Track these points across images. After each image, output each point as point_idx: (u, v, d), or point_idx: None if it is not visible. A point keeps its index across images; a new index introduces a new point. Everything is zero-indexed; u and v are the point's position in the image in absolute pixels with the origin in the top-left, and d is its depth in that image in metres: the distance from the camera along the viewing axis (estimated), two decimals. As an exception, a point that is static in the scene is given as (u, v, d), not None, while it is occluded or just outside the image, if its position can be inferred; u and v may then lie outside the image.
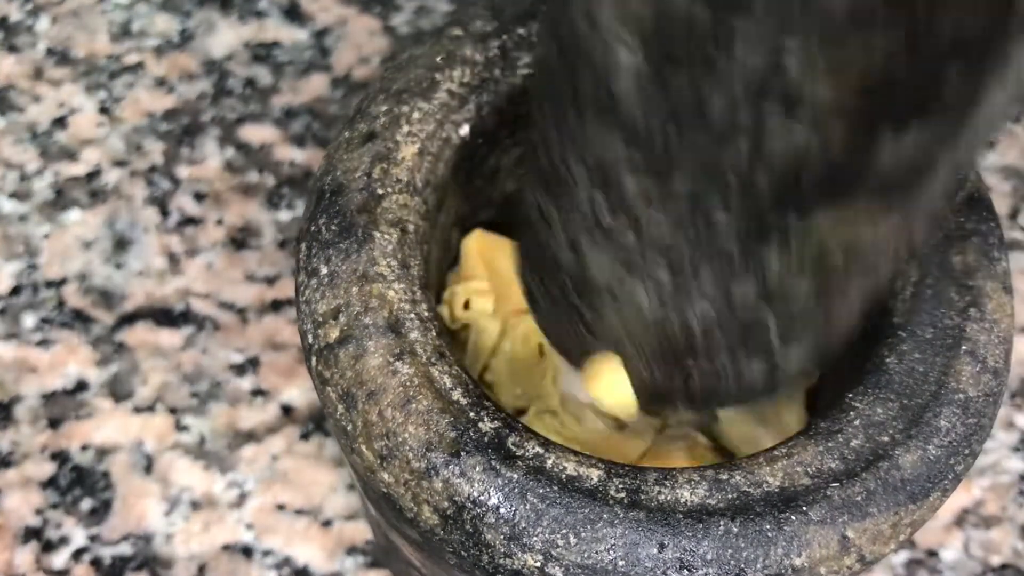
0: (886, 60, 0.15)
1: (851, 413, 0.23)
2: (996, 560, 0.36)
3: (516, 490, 0.22)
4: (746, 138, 0.16)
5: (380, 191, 0.25)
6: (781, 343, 0.22)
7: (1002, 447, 0.38)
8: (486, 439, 0.22)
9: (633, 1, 0.16)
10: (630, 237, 0.20)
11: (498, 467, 0.22)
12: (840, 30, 0.14)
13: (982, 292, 0.24)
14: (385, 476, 0.22)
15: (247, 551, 0.36)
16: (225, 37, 0.45)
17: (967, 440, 0.23)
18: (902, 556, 0.36)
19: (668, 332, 0.22)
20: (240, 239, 0.41)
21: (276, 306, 0.40)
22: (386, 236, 0.25)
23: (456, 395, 0.23)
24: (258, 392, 0.38)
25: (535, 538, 0.21)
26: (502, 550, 0.22)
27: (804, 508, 0.22)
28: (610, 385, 0.24)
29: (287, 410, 0.38)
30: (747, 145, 0.17)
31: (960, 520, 0.37)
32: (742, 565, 0.21)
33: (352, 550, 0.36)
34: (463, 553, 0.22)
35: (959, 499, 0.37)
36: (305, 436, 0.38)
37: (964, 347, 0.24)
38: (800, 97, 0.15)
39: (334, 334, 0.24)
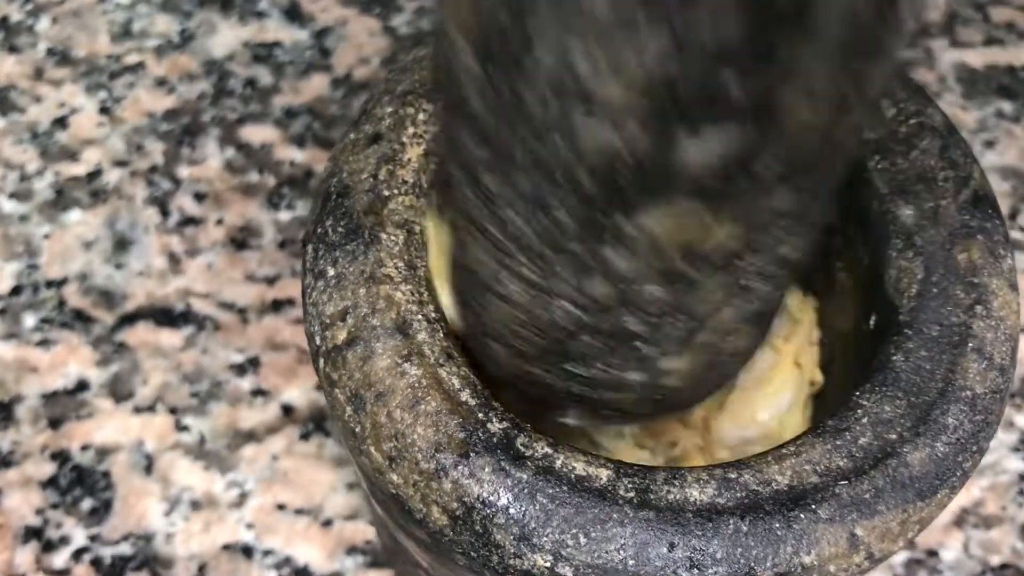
0: (659, 62, 0.15)
1: (859, 411, 0.23)
2: (996, 560, 0.36)
3: (525, 490, 0.22)
4: (560, 135, 0.17)
5: (386, 192, 0.25)
6: (657, 353, 0.22)
7: (1002, 447, 0.38)
8: (495, 440, 0.22)
9: (463, 9, 0.17)
10: (497, 233, 0.21)
11: (507, 468, 0.22)
12: (609, 31, 0.15)
13: (988, 289, 0.24)
14: (394, 477, 0.22)
15: (247, 551, 0.36)
16: (225, 37, 0.45)
17: (975, 437, 0.23)
18: (902, 556, 0.36)
19: (542, 332, 0.23)
20: (240, 239, 0.41)
21: (276, 306, 0.40)
22: (393, 237, 0.25)
23: (465, 396, 0.23)
24: (258, 392, 0.38)
25: (545, 538, 0.21)
26: (512, 550, 0.22)
27: (813, 506, 0.22)
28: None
29: (287, 410, 0.38)
30: (563, 142, 0.17)
31: (960, 520, 0.37)
32: (752, 564, 0.21)
33: (352, 550, 0.36)
34: (472, 554, 0.22)
35: (959, 499, 0.37)
36: (305, 436, 0.38)
37: (971, 344, 0.24)
38: (593, 95, 0.16)
39: (342, 336, 0.24)
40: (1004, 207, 0.42)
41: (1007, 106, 0.44)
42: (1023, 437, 0.38)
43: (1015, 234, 0.42)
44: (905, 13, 0.16)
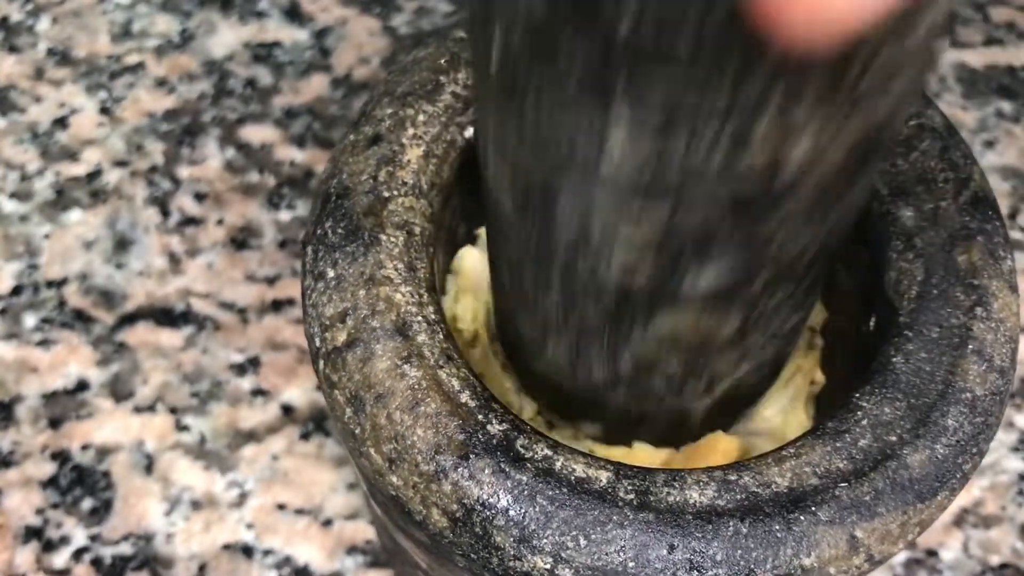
0: (657, 234, 0.19)
1: (858, 413, 0.23)
2: (995, 560, 0.36)
3: (525, 492, 0.22)
4: (583, 269, 0.21)
5: (386, 194, 0.25)
6: (682, 404, 0.26)
7: (1001, 447, 0.38)
8: (495, 441, 0.22)
9: (503, 181, 0.21)
10: (537, 318, 0.24)
11: (507, 469, 0.22)
12: (614, 214, 0.19)
13: (988, 291, 0.24)
14: (394, 479, 0.22)
15: (247, 551, 0.36)
16: (225, 37, 0.45)
17: (975, 439, 0.23)
18: (901, 556, 0.36)
19: (577, 381, 0.25)
20: (240, 239, 0.41)
21: (276, 306, 0.40)
22: (392, 239, 0.25)
23: (464, 398, 0.23)
24: (258, 392, 0.38)
25: (545, 540, 0.21)
26: (512, 552, 0.21)
27: (813, 508, 0.22)
28: None
29: (287, 410, 0.38)
30: (586, 274, 0.21)
31: (959, 520, 0.37)
32: (752, 566, 0.21)
33: (352, 550, 0.36)
34: (472, 556, 0.22)
35: (958, 499, 0.37)
36: (305, 436, 0.38)
37: (971, 346, 0.23)
38: (611, 254, 0.20)
39: (341, 337, 0.24)
40: (1004, 207, 0.42)
41: (1007, 106, 0.44)
42: (1023, 437, 0.38)
43: (1015, 234, 0.42)
44: (863, 185, 0.20)
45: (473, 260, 0.29)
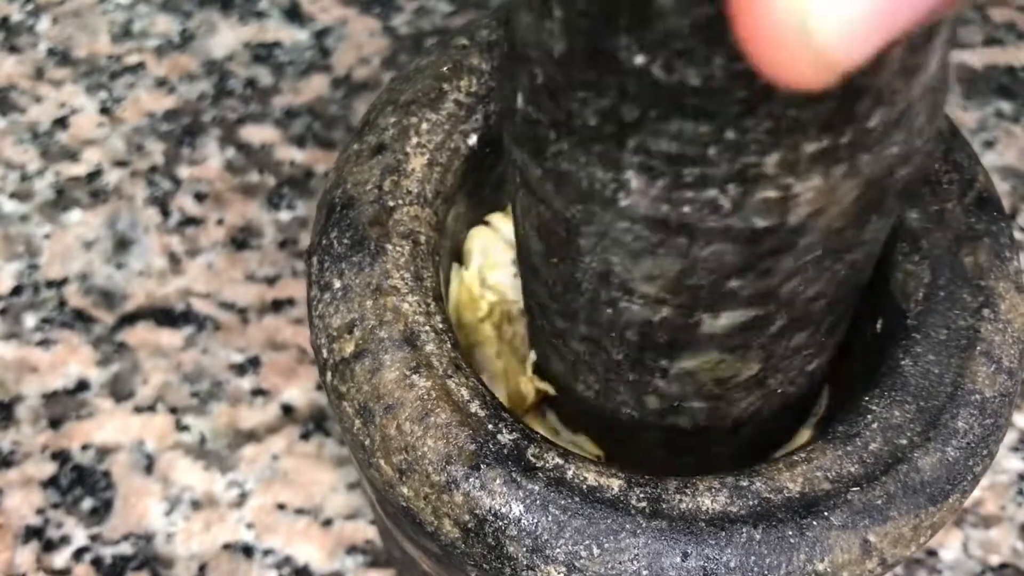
0: (679, 275, 0.20)
1: (868, 416, 0.23)
2: (995, 560, 0.36)
3: (537, 502, 0.21)
4: (608, 309, 0.22)
5: (391, 203, 0.25)
6: (705, 432, 0.26)
7: (1002, 446, 0.38)
8: (505, 451, 0.22)
9: (531, 216, 0.22)
10: (567, 355, 0.25)
11: (518, 479, 0.22)
12: (637, 254, 0.20)
13: (995, 292, 0.24)
14: (404, 490, 0.22)
15: (247, 551, 0.36)
16: (226, 37, 0.45)
17: (984, 441, 0.23)
18: (902, 556, 0.36)
19: (607, 418, 0.26)
20: (240, 239, 0.41)
21: (276, 306, 0.40)
22: (398, 248, 0.24)
23: (474, 407, 0.23)
24: (258, 392, 0.38)
25: (558, 549, 0.21)
26: (524, 562, 0.21)
27: (825, 513, 0.22)
28: None
29: (287, 410, 0.38)
30: (611, 313, 0.22)
31: (959, 520, 0.37)
32: (765, 572, 0.21)
33: (352, 550, 0.36)
34: (485, 566, 0.22)
35: (958, 499, 0.37)
36: (305, 436, 0.38)
37: (979, 348, 0.23)
38: (632, 290, 0.21)
39: (349, 348, 0.23)
40: (1004, 208, 0.42)
41: (1007, 106, 0.44)
42: (1023, 437, 0.38)
43: (1015, 234, 0.42)
44: (874, 224, 0.20)
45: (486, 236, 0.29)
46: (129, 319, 0.40)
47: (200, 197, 0.42)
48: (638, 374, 0.23)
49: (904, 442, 0.23)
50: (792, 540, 0.21)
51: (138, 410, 0.38)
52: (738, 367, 0.23)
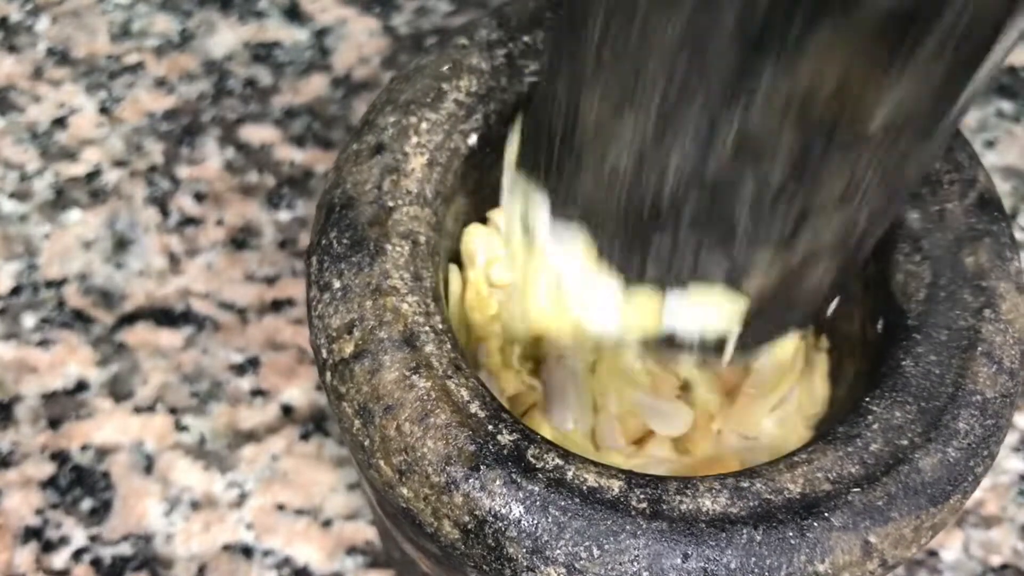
0: None
1: (869, 417, 0.23)
2: (996, 560, 0.36)
3: (537, 503, 0.21)
4: None
5: (391, 203, 0.25)
6: (746, 238, 0.22)
7: (1003, 447, 0.38)
8: (505, 452, 0.22)
9: None
10: (628, 63, 0.20)
11: (519, 480, 0.22)
12: None
13: (996, 293, 0.24)
14: (404, 491, 0.22)
15: (247, 551, 0.36)
16: (225, 37, 0.45)
17: (985, 441, 0.23)
18: (902, 556, 0.36)
19: (639, 192, 0.22)
20: (240, 239, 0.41)
21: (276, 306, 0.40)
22: (398, 249, 0.24)
23: (474, 408, 0.23)
24: (258, 392, 0.38)
25: (558, 551, 0.21)
26: (525, 564, 0.21)
27: (826, 514, 0.22)
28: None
29: (287, 410, 0.38)
30: None
31: (960, 520, 0.37)
32: (766, 573, 0.21)
33: (352, 550, 0.36)
34: (485, 567, 0.22)
35: (959, 499, 0.37)
36: (305, 436, 0.38)
37: (980, 348, 0.23)
38: None
39: (349, 348, 0.23)
40: (1005, 208, 0.42)
41: (1007, 106, 0.44)
42: (1023, 437, 0.38)
43: (1016, 234, 0.42)
44: None
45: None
46: (128, 319, 0.39)
47: (199, 197, 0.42)
48: (742, 54, 0.19)
49: (905, 443, 0.23)
50: (793, 541, 0.21)
51: (137, 410, 0.38)
52: (870, 78, 0.19)
